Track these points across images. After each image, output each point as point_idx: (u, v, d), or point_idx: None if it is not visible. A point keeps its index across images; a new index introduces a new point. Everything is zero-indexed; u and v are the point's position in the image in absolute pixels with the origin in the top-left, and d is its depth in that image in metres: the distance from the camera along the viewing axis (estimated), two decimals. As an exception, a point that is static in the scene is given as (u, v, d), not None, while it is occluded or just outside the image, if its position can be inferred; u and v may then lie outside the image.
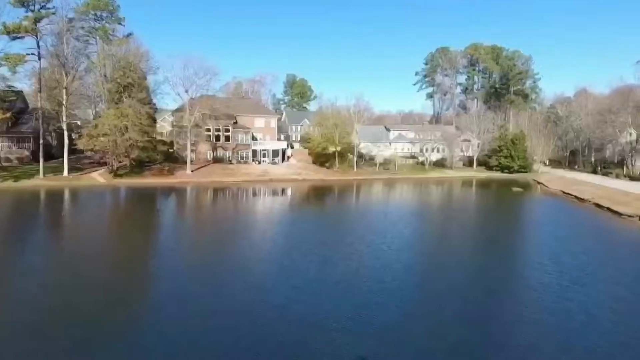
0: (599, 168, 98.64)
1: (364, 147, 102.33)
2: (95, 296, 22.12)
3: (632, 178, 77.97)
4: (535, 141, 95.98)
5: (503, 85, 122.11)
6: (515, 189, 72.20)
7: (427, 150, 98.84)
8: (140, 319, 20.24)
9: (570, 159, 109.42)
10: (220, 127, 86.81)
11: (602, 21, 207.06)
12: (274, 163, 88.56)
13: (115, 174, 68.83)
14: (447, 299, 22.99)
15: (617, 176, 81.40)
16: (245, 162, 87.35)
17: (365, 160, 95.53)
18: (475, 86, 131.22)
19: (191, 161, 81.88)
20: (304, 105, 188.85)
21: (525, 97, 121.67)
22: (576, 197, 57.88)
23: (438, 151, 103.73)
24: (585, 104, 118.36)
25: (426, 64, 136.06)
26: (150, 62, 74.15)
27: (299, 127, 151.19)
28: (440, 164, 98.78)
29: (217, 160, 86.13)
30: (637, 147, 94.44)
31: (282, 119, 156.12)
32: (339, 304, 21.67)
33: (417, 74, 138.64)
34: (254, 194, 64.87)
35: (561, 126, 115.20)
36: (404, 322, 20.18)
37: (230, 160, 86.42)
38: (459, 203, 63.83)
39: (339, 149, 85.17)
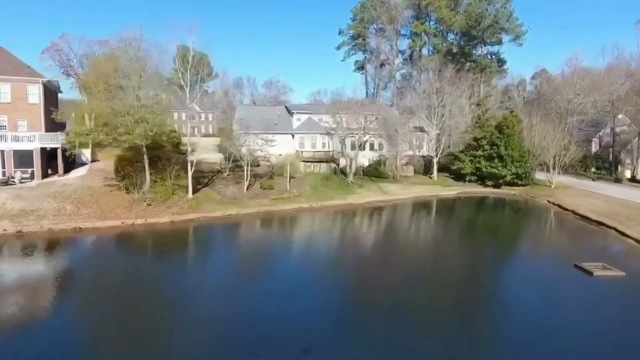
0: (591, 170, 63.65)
1: (247, 142, 56.87)
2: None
3: None
4: (537, 130, 54.48)
5: (468, 44, 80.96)
6: (600, 272, 22.85)
7: (353, 146, 54.13)
8: None
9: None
10: None
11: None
12: (11, 182, 38.95)
13: None
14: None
15: None
16: (-62, 182, 37.15)
17: (238, 167, 49.03)
18: (424, 50, 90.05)
19: None
20: (203, 86, 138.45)
21: (502, 62, 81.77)
22: None
23: (373, 148, 59.85)
24: (573, 82, 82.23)
25: (354, 18, 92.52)
26: None
27: (183, 115, 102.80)
28: (375, 171, 54.55)
29: None
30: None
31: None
32: None
33: (341, 33, 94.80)
34: None
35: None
36: None
37: None
38: None
39: (143, 142, 37.67)
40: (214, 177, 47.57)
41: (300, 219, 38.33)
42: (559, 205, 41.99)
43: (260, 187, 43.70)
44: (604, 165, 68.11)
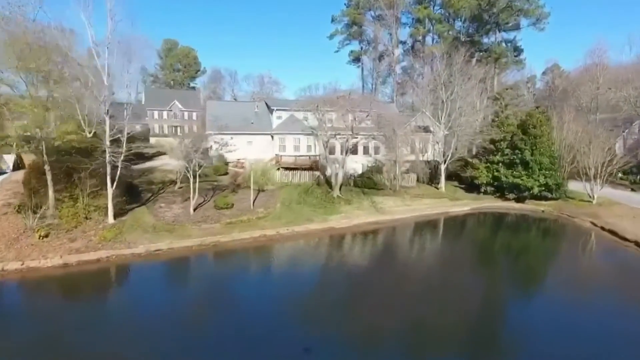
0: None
1: (219, 142, 47.69)
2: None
3: None
4: (571, 130, 43.86)
5: (478, 31, 70.22)
6: None
7: (342, 150, 43.27)
8: None
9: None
10: None
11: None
12: None
13: None
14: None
15: None
16: None
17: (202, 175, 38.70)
18: (427, 39, 79.43)
19: None
20: (190, 83, 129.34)
21: (519, 51, 70.81)
22: None
23: (367, 152, 49.57)
24: (597, 75, 73.17)
25: (348, 4, 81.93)
26: None
27: (164, 113, 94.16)
28: (369, 181, 43.88)
29: None
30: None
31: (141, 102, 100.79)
32: None
33: (334, 20, 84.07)
34: None
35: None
36: None
37: None
38: None
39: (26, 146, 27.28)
40: (161, 191, 37.20)
41: (254, 257, 27.55)
42: (611, 231, 31.23)
43: (215, 206, 33.12)
44: (631, 169, 57.86)
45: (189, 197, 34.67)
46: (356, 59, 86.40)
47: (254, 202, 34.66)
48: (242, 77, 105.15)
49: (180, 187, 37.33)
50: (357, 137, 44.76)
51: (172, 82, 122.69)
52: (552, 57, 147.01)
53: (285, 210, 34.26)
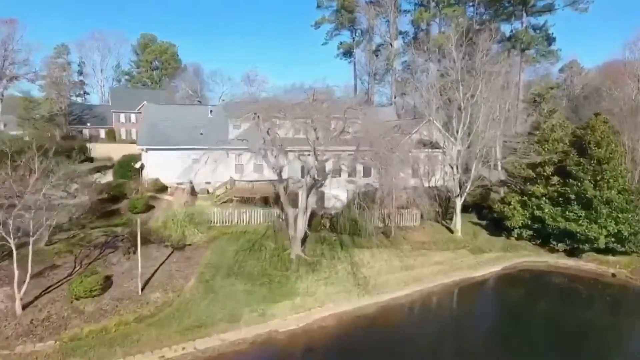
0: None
1: (157, 165, 34.95)
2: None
3: None
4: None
5: (496, 15, 55.98)
6: None
7: (310, 176, 28.88)
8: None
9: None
10: None
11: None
12: None
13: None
14: None
15: None
16: None
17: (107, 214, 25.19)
18: (434, 28, 65.26)
19: None
20: (171, 82, 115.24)
21: (551, 41, 56.09)
22: None
23: (352, 176, 35.78)
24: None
25: (338, -14, 67.99)
26: None
27: (132, 116, 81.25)
28: (349, 223, 29.64)
29: None
30: None
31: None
32: None
33: (320, 6, 69.60)
34: None
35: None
36: None
37: None
38: None
39: None
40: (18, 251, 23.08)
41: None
42: None
43: (72, 292, 18.91)
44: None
45: (54, 265, 20.88)
46: (347, 53, 72.37)
47: (147, 281, 20.55)
48: (207, 74, 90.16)
49: (49, 244, 23.37)
50: (340, 155, 30.51)
51: (149, 82, 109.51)
52: (571, 52, 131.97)
53: (200, 295, 20.16)
